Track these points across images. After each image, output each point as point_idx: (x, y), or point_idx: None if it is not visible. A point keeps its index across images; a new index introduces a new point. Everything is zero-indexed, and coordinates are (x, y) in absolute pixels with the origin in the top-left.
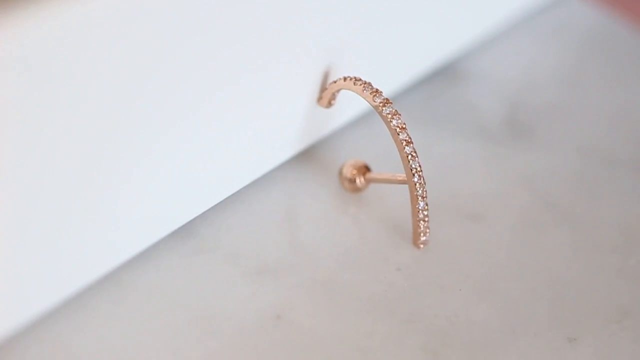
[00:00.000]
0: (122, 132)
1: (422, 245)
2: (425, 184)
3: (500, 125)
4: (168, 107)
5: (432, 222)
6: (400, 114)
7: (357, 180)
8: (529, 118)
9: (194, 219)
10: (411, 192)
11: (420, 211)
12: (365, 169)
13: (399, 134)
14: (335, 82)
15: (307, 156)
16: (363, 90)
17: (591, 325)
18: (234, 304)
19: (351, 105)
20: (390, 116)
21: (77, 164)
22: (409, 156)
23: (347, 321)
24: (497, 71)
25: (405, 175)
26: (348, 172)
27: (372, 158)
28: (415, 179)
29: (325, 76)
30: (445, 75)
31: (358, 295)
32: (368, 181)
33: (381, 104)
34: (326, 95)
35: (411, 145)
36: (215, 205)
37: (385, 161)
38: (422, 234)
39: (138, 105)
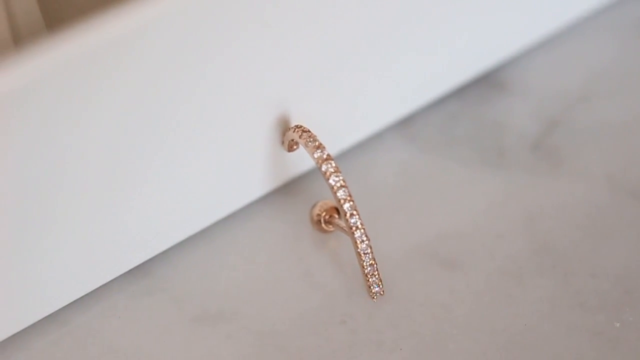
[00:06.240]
0: (81, 169)
1: (375, 297)
2: (368, 239)
3: (525, 150)
4: (128, 144)
5: (400, 269)
6: (340, 172)
7: (323, 223)
8: (564, 140)
9: (154, 256)
10: (354, 247)
11: (366, 266)
12: (335, 209)
13: (336, 192)
14: (289, 129)
15: (285, 193)
16: (306, 144)
17: None
18: (163, 351)
19: (334, 141)
20: (328, 174)
21: (25, 198)
22: (348, 214)
23: None
24: (544, 81)
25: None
26: (315, 213)
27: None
28: (357, 236)
29: (285, 119)
30: (478, 89)
31: (287, 349)
32: (331, 224)
33: (320, 160)
34: (286, 140)
35: (350, 202)
36: (180, 242)
37: (369, 200)
38: (371, 287)
39: (98, 143)
